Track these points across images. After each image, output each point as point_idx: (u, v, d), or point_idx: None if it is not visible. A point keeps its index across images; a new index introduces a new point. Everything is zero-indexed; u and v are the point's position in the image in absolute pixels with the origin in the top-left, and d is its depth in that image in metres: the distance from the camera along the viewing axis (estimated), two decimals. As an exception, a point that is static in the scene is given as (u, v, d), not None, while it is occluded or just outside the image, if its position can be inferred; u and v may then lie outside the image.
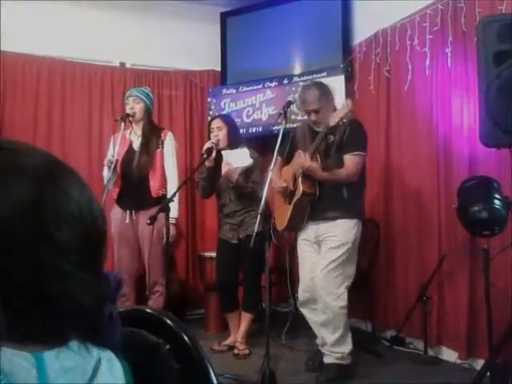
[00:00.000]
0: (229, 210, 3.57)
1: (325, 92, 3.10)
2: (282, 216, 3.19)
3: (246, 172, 3.44)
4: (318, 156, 3.01)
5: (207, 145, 3.46)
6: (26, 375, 0.56)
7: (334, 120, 2.84)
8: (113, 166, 3.44)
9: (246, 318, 3.58)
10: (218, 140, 3.48)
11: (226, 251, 3.59)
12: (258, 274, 3.61)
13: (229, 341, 3.62)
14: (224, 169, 3.39)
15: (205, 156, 3.40)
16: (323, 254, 3.05)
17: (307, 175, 2.99)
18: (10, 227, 0.57)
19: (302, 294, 3.19)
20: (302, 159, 2.96)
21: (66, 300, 0.60)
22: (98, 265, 0.66)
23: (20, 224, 0.57)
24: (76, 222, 0.62)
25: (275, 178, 3.19)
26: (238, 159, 3.40)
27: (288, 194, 3.14)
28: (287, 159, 3.26)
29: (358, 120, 3.13)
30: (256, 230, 2.71)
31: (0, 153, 0.62)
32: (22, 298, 0.58)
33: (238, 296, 3.70)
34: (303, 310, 3.23)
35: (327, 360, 3.07)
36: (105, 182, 3.54)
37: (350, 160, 3.02)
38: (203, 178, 3.54)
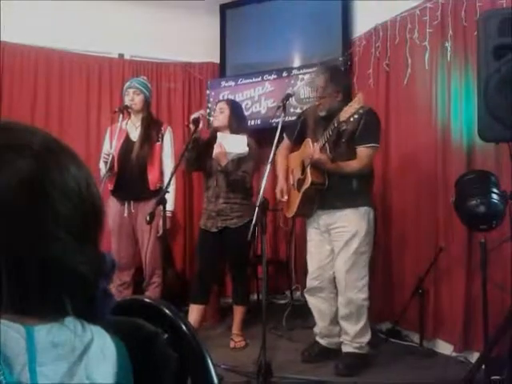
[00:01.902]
0: (212, 193, 3.49)
1: (332, 79, 3.05)
2: (292, 203, 3.20)
3: (239, 160, 3.37)
4: (328, 145, 2.97)
5: (194, 115, 3.35)
6: (15, 345, 0.59)
7: (344, 115, 2.76)
8: (109, 162, 3.41)
9: (238, 311, 3.56)
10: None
11: (206, 241, 3.52)
12: (244, 266, 3.60)
13: None
14: (215, 150, 3.33)
15: (192, 127, 3.28)
16: (339, 249, 3.04)
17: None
18: (14, 200, 0.61)
19: (310, 282, 3.21)
20: (311, 150, 2.94)
21: (65, 268, 0.63)
22: (96, 240, 0.70)
23: (23, 197, 0.62)
24: (75, 195, 0.66)
25: (280, 161, 3.24)
26: (232, 144, 3.34)
27: (298, 182, 3.14)
28: (296, 142, 3.25)
29: (373, 110, 3.08)
30: (254, 221, 2.68)
31: (4, 131, 0.66)
32: (24, 266, 0.62)
33: (211, 290, 3.63)
34: (308, 297, 3.26)
35: (346, 349, 3.10)
36: (101, 175, 3.54)
37: (364, 152, 2.99)
38: (188, 149, 3.34)
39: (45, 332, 0.62)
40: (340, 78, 3.16)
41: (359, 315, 3.04)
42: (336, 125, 2.85)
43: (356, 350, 3.07)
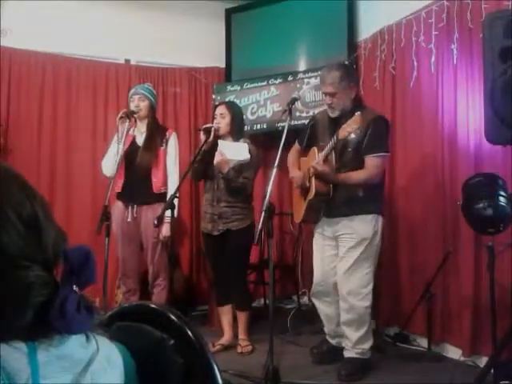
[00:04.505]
0: (212, 197, 3.47)
1: (346, 75, 2.99)
2: (299, 209, 3.20)
3: (241, 166, 3.35)
4: (333, 154, 2.94)
5: (207, 125, 3.38)
6: (17, 361, 0.61)
7: (342, 133, 2.75)
8: (117, 162, 3.40)
9: (242, 316, 3.55)
10: (219, 127, 3.39)
11: (211, 244, 3.53)
12: (244, 270, 3.60)
13: (223, 340, 3.54)
14: (216, 158, 3.32)
15: (203, 137, 3.30)
16: (343, 254, 3.02)
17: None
18: None
19: (315, 287, 3.21)
20: (315, 162, 2.92)
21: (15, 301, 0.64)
22: (48, 256, 0.69)
23: None
24: (20, 224, 0.66)
25: (291, 160, 3.24)
26: (233, 152, 3.33)
27: (304, 189, 3.12)
28: (307, 147, 3.23)
29: (383, 117, 3.06)
30: (260, 226, 2.67)
31: None
32: None
33: (232, 289, 3.61)
34: (315, 301, 3.26)
35: (347, 354, 3.08)
36: (104, 172, 3.54)
37: (372, 161, 2.94)
38: (197, 161, 3.33)
39: (46, 346, 0.63)
40: (353, 73, 3.12)
41: (361, 322, 3.01)
42: (335, 141, 2.85)
43: (358, 356, 3.05)
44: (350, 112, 2.87)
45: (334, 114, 3.03)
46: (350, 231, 3.00)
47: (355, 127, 2.72)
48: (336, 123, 2.97)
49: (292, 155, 3.27)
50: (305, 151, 3.26)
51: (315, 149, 3.05)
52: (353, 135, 2.78)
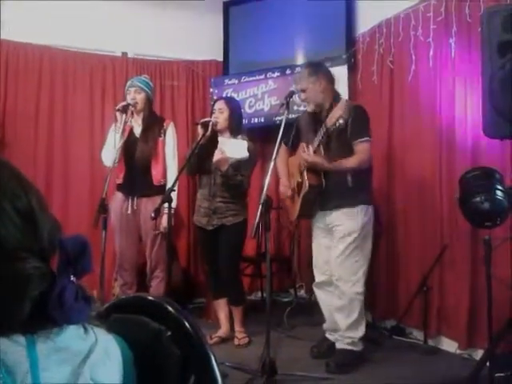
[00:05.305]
0: (209, 191, 3.46)
1: (314, 71, 3.11)
2: (294, 206, 3.23)
3: (238, 164, 3.35)
4: (322, 146, 3.00)
5: (205, 119, 3.40)
6: (16, 353, 0.61)
7: (330, 121, 2.85)
8: (116, 154, 3.38)
9: (236, 311, 3.57)
10: (217, 122, 3.40)
11: (204, 238, 3.55)
12: (236, 265, 3.60)
13: (221, 332, 3.56)
14: (216, 156, 3.31)
15: (201, 131, 3.30)
16: (334, 243, 3.08)
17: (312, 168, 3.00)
18: None
19: (318, 276, 3.23)
20: (306, 154, 2.96)
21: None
22: (44, 246, 0.69)
23: None
24: (16, 216, 0.67)
25: (281, 166, 3.28)
26: (233, 149, 3.34)
27: (297, 186, 3.16)
28: (293, 147, 3.27)
29: (360, 105, 3.13)
30: (257, 219, 2.68)
31: None
32: None
33: (227, 282, 3.61)
34: (317, 291, 3.28)
35: (338, 345, 3.10)
36: (105, 162, 3.51)
37: (362, 146, 3.00)
38: (194, 154, 3.29)
39: (45, 338, 0.64)
40: (323, 70, 3.19)
41: (352, 308, 3.03)
42: (325, 130, 2.92)
43: (348, 347, 3.06)
44: (329, 105, 2.98)
45: (310, 108, 3.12)
46: (339, 223, 3.04)
47: (341, 112, 2.81)
48: (317, 118, 3.07)
49: (280, 158, 3.29)
50: (292, 150, 3.30)
51: (303, 144, 3.10)
52: (341, 121, 2.85)
